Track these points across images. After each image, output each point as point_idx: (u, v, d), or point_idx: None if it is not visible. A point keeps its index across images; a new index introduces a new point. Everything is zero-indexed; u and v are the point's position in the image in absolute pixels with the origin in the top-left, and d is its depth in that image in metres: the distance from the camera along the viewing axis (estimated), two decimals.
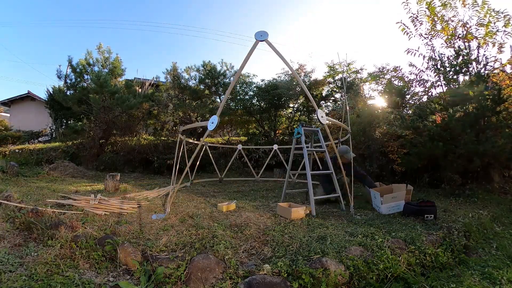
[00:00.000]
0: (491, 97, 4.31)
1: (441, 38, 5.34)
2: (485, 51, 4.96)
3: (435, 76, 5.40)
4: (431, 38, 5.40)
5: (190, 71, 11.87)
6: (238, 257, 2.07)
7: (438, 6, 5.19)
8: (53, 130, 13.87)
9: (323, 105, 10.40)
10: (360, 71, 9.85)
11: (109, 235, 2.34)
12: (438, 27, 5.30)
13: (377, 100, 7.56)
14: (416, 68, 5.65)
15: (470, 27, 5.08)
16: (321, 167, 5.50)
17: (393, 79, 6.62)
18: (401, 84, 6.22)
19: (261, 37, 2.56)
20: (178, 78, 11.54)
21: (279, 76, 10.00)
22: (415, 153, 4.73)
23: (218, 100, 11.83)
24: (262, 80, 10.09)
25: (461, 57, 4.99)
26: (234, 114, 10.18)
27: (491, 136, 4.16)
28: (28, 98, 17.14)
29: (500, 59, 4.93)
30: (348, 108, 4.75)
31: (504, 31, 4.85)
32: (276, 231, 2.57)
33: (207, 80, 11.42)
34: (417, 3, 5.25)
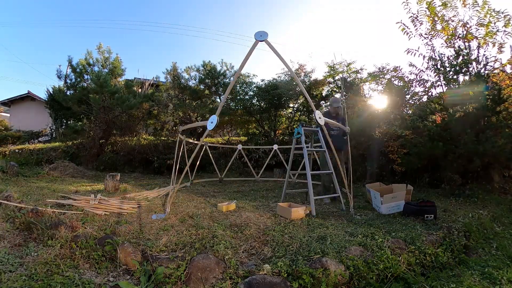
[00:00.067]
0: (491, 97, 4.32)
1: (441, 38, 5.34)
2: (485, 51, 4.97)
3: (435, 76, 5.40)
4: (431, 38, 5.40)
5: (190, 71, 11.89)
6: (238, 257, 2.07)
7: (438, 6, 5.19)
8: (53, 130, 13.86)
9: (324, 105, 10.39)
10: (360, 71, 9.84)
11: (109, 235, 2.34)
12: (438, 27, 5.30)
13: (377, 100, 7.55)
14: (416, 68, 5.66)
15: (470, 27, 5.08)
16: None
17: (393, 79, 6.61)
18: (401, 84, 6.22)
19: (261, 37, 2.56)
20: (178, 78, 11.54)
21: (279, 76, 10.00)
22: (415, 153, 4.73)
23: (218, 100, 11.83)
24: (262, 80, 10.09)
25: (461, 57, 4.99)
26: (234, 114, 10.18)
27: (491, 136, 4.16)
28: (28, 98, 17.14)
29: (500, 59, 4.94)
30: (347, 108, 4.77)
31: (504, 31, 4.85)
32: (276, 231, 2.57)
33: (207, 80, 11.42)
34: (417, 3, 5.25)
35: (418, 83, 5.83)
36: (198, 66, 11.75)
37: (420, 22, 5.34)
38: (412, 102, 6.21)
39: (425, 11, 5.25)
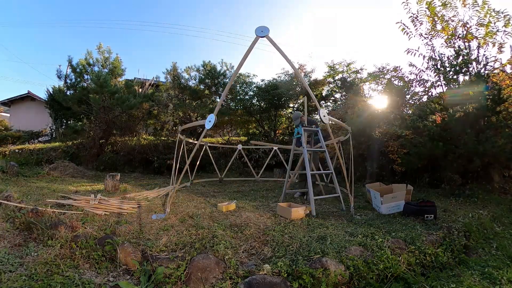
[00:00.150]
0: (491, 97, 4.32)
1: (441, 38, 5.34)
2: (485, 51, 4.97)
3: (435, 76, 5.40)
4: (431, 38, 5.40)
5: (190, 71, 11.89)
6: (238, 257, 2.07)
7: (438, 6, 5.19)
8: (53, 130, 13.85)
9: (323, 105, 10.40)
10: (360, 71, 9.86)
11: (109, 235, 2.34)
12: (438, 27, 5.30)
13: (377, 100, 7.55)
14: (416, 68, 5.66)
15: (470, 27, 5.08)
16: (320, 167, 5.50)
17: (393, 79, 6.62)
18: (401, 84, 6.22)
19: (262, 32, 2.49)
20: (178, 78, 11.55)
21: (279, 76, 10.02)
22: (415, 153, 4.73)
23: (218, 100, 11.84)
24: (262, 80, 10.10)
25: (461, 57, 4.99)
26: (234, 114, 10.19)
27: (491, 136, 4.16)
28: (28, 98, 17.12)
29: (500, 59, 4.94)
30: (347, 108, 4.79)
31: (504, 31, 4.86)
32: (276, 231, 2.57)
33: (207, 80, 11.42)
34: (417, 3, 5.25)
35: (418, 83, 5.83)
36: (198, 66, 11.77)
37: (420, 22, 5.34)
38: (412, 102, 6.21)
39: (425, 11, 5.26)
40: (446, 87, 5.23)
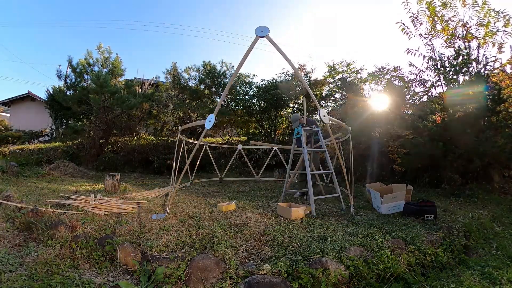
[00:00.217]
0: (491, 97, 4.32)
1: (441, 38, 5.34)
2: (485, 51, 4.97)
3: (435, 76, 5.40)
4: (431, 38, 5.40)
5: (190, 71, 11.90)
6: (238, 257, 2.07)
7: (438, 6, 5.19)
8: (53, 130, 13.85)
9: (323, 105, 10.40)
10: (360, 71, 9.85)
11: (109, 235, 2.34)
12: (438, 27, 5.30)
13: (377, 100, 7.55)
14: (416, 68, 5.65)
15: (470, 27, 5.08)
16: (320, 167, 5.50)
17: (393, 79, 6.61)
18: (401, 84, 6.22)
19: (262, 32, 2.47)
20: (178, 78, 11.55)
21: (279, 76, 10.01)
22: (415, 153, 4.73)
23: (218, 100, 11.84)
24: (262, 80, 10.10)
25: (461, 57, 4.99)
26: (234, 114, 10.19)
27: (491, 136, 4.16)
28: (28, 98, 17.13)
29: (500, 59, 4.94)
30: (347, 108, 4.80)
31: (504, 31, 4.86)
32: (276, 231, 2.57)
33: (207, 80, 11.43)
34: (417, 3, 5.25)
35: (418, 83, 5.83)
36: (198, 66, 11.78)
37: (420, 22, 5.34)
38: (412, 102, 6.21)
39: (425, 11, 5.26)
40: (446, 87, 5.23)
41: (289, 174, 4.21)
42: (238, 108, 9.97)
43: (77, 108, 10.11)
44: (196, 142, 7.33)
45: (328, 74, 10.11)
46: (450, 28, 5.23)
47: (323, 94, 10.36)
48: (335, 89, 10.29)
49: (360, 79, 9.71)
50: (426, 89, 5.70)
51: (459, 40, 5.22)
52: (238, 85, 10.06)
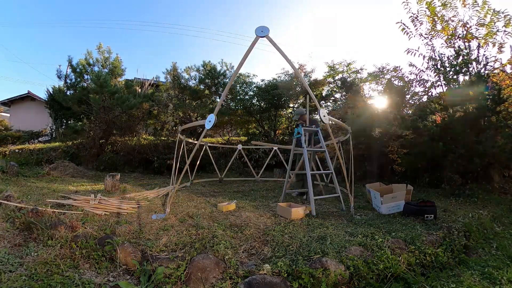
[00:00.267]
0: (491, 97, 4.32)
1: (441, 38, 5.34)
2: (485, 51, 4.97)
3: (435, 76, 5.40)
4: (431, 38, 5.40)
5: (190, 71, 11.90)
6: (238, 257, 2.07)
7: (438, 6, 5.19)
8: (53, 130, 13.86)
9: (323, 105, 10.40)
10: (360, 71, 9.86)
11: (109, 235, 2.34)
12: (438, 27, 5.30)
13: (377, 100, 7.56)
14: (416, 68, 5.66)
15: (470, 27, 5.08)
16: (321, 167, 5.50)
17: (393, 79, 6.62)
18: (401, 84, 6.22)
19: (262, 32, 2.46)
20: (178, 78, 11.56)
21: (279, 76, 10.01)
22: (415, 153, 4.73)
23: (218, 100, 11.84)
24: (262, 80, 10.10)
25: (461, 57, 4.99)
26: (234, 114, 10.19)
27: (491, 136, 4.16)
28: (28, 98, 17.13)
29: (500, 59, 4.94)
30: (347, 108, 4.79)
31: (504, 31, 4.86)
32: (276, 231, 2.57)
33: (207, 80, 11.43)
34: (417, 3, 5.25)
35: (418, 83, 5.83)
36: (198, 66, 11.78)
37: (420, 22, 5.34)
38: (412, 102, 6.21)
39: (425, 11, 5.26)
40: (446, 87, 5.24)
41: (289, 174, 4.21)
42: (238, 108, 9.98)
43: (77, 108, 10.12)
44: (196, 142, 7.34)
45: (328, 74, 10.12)
46: (450, 28, 5.23)
47: (323, 94, 10.36)
48: (335, 89, 10.30)
49: (360, 79, 9.72)
50: (426, 89, 5.70)
51: (459, 40, 5.22)
52: (238, 85, 10.06)
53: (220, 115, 9.55)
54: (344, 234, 2.53)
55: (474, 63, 4.91)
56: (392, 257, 2.10)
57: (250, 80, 10.37)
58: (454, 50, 5.15)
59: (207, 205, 3.74)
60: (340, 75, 10.11)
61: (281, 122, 10.86)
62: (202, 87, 11.69)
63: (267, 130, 10.39)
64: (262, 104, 9.86)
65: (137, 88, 10.60)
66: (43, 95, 13.82)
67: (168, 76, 11.90)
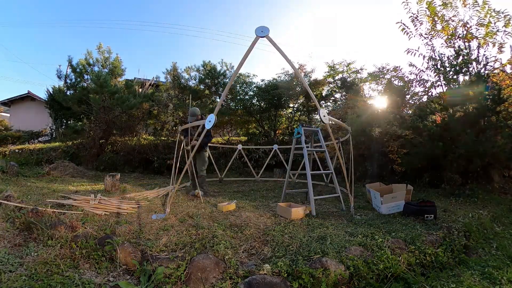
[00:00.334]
0: (491, 97, 4.31)
1: (441, 38, 5.34)
2: (485, 51, 4.97)
3: (435, 76, 5.40)
4: (431, 38, 5.40)
5: (190, 71, 11.90)
6: (238, 257, 2.07)
7: (438, 6, 5.19)
8: (53, 130, 13.85)
9: (323, 105, 10.40)
10: (360, 71, 9.86)
11: (109, 235, 2.34)
12: (438, 27, 5.30)
13: (377, 100, 7.56)
14: (416, 68, 5.66)
15: (470, 27, 5.08)
16: (321, 167, 5.51)
17: (393, 79, 6.62)
18: (401, 84, 6.22)
19: (262, 33, 2.46)
20: (178, 78, 11.55)
21: (279, 76, 10.01)
22: (415, 153, 4.73)
23: (218, 100, 11.84)
24: (262, 80, 10.10)
25: (461, 57, 4.99)
26: (234, 114, 10.18)
27: (491, 136, 4.16)
28: (28, 98, 17.13)
29: (500, 59, 4.95)
30: (347, 108, 4.79)
31: (504, 31, 4.86)
32: (276, 231, 2.57)
33: (207, 80, 11.43)
34: (417, 3, 5.25)
35: (418, 83, 5.83)
36: (198, 66, 11.78)
37: (420, 22, 5.34)
38: (412, 102, 6.21)
39: (425, 11, 5.25)
40: (446, 87, 5.23)
41: (289, 174, 4.21)
42: (238, 108, 9.97)
43: (77, 108, 10.12)
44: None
45: (328, 74, 10.11)
46: (450, 28, 5.23)
47: (323, 94, 10.35)
48: (335, 89, 10.30)
49: (360, 79, 9.71)
50: (426, 89, 5.70)
51: (459, 40, 5.22)
52: (238, 85, 10.05)
53: (220, 115, 9.54)
54: (344, 234, 2.53)
55: (474, 63, 4.91)
56: (392, 257, 2.10)
57: (250, 80, 10.37)
58: (454, 50, 5.15)
59: (207, 205, 3.74)
60: (340, 75, 10.11)
61: (281, 122, 10.86)
62: (202, 87, 11.69)
63: (267, 130, 10.39)
64: (262, 104, 9.85)
65: (137, 88, 10.60)
66: (43, 95, 13.83)
67: (168, 76, 11.90)
